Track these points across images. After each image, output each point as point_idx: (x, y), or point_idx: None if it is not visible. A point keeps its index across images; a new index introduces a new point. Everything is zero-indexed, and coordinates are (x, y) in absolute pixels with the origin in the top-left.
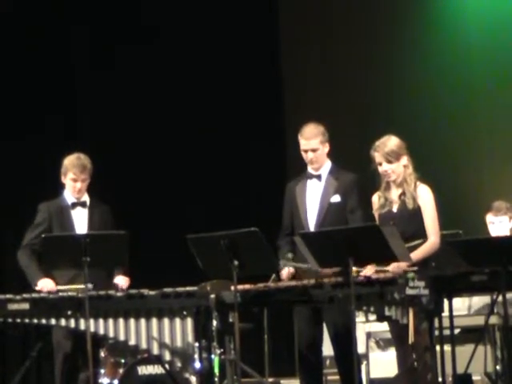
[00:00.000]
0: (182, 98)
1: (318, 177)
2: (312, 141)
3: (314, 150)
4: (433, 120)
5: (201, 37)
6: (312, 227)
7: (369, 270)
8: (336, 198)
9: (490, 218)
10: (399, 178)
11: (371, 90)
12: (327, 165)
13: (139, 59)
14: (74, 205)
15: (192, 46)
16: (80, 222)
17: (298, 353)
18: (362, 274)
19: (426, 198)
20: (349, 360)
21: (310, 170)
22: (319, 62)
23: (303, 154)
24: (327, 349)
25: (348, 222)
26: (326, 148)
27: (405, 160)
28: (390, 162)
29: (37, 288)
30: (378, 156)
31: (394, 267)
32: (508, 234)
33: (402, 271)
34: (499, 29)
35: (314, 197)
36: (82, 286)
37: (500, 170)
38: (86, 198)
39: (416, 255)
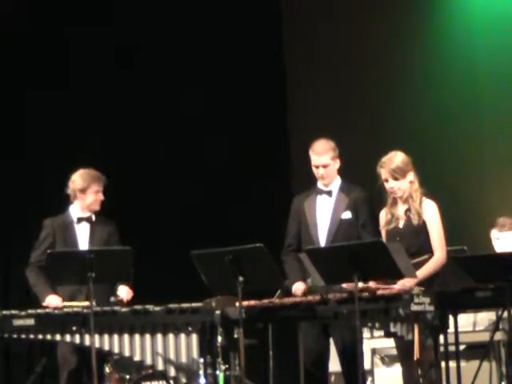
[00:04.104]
0: (185, 112)
1: (329, 193)
2: (323, 156)
3: (325, 166)
4: (439, 136)
5: (202, 46)
6: (323, 243)
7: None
8: (347, 215)
9: (494, 233)
10: (405, 194)
11: (379, 104)
12: (337, 181)
13: (141, 61)
14: (80, 220)
15: (192, 53)
16: (83, 237)
17: (304, 369)
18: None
19: (431, 214)
20: (356, 376)
21: (319, 185)
22: (325, 84)
23: (314, 169)
24: (332, 365)
25: (360, 237)
26: (337, 164)
27: (411, 176)
28: (396, 178)
29: (44, 304)
30: (384, 172)
31: (400, 285)
32: None
33: (409, 289)
34: (504, 30)
35: (325, 213)
36: (86, 303)
37: (504, 186)
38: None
39: (422, 272)
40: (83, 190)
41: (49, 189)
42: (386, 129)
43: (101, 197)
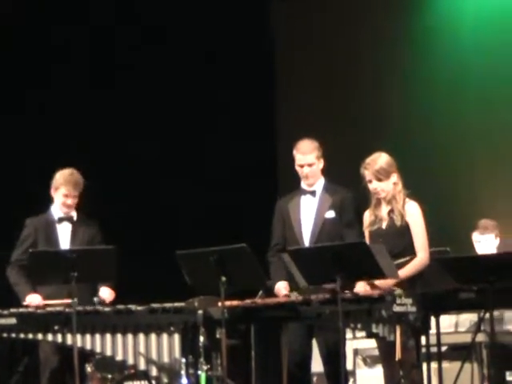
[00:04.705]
0: (172, 112)
1: (313, 193)
2: (308, 156)
3: (310, 165)
4: (425, 137)
5: (192, 43)
6: (307, 243)
7: (360, 287)
8: (331, 214)
9: (476, 236)
10: (389, 195)
11: (365, 104)
12: (321, 181)
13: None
14: (61, 220)
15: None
16: (65, 237)
17: (288, 370)
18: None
19: (414, 215)
20: (338, 377)
21: (303, 186)
22: (314, 79)
23: (298, 169)
24: (314, 365)
25: (344, 238)
26: (321, 163)
27: (395, 177)
28: (379, 179)
29: (25, 303)
30: (368, 174)
31: (382, 282)
32: (494, 251)
33: (390, 288)
34: (493, 28)
35: (309, 213)
36: (69, 301)
37: (487, 188)
38: (73, 213)
39: (404, 272)
40: (54, 190)
41: (32, 188)
42: (371, 129)
43: (68, 201)
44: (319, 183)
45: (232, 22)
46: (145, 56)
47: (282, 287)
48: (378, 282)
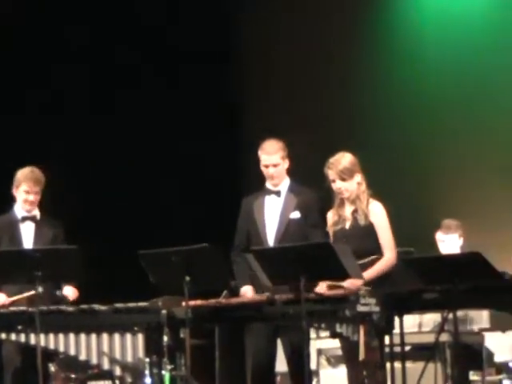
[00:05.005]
0: (134, 108)
1: (277, 193)
2: (273, 156)
3: (275, 165)
4: (388, 137)
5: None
6: (271, 243)
7: (321, 288)
8: (295, 215)
9: (439, 236)
10: (352, 195)
11: (327, 105)
12: (286, 181)
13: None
14: (24, 219)
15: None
16: (28, 236)
17: (252, 370)
18: (315, 290)
19: (378, 215)
20: (302, 377)
21: (268, 185)
22: (279, 77)
23: (263, 169)
24: (278, 365)
25: (309, 238)
26: (286, 164)
27: (358, 177)
28: (343, 179)
29: None
30: (331, 173)
31: (348, 283)
32: (458, 251)
33: (356, 288)
34: (455, 30)
35: (273, 213)
36: (32, 292)
37: (450, 188)
38: (36, 212)
39: (372, 272)
40: (16, 189)
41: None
42: (338, 129)
43: (30, 198)
44: (284, 183)
45: (197, 21)
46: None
47: (247, 292)
48: (346, 283)
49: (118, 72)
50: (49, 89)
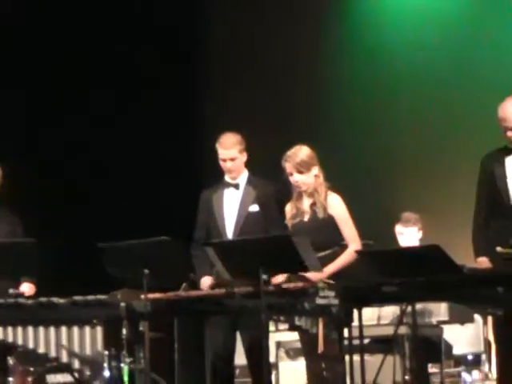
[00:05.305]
0: (98, 101)
1: (236, 186)
2: (231, 150)
3: (232, 159)
4: (346, 130)
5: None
6: (230, 236)
7: (278, 278)
8: (254, 208)
9: (399, 228)
10: (310, 188)
11: (288, 98)
12: (244, 174)
13: None
14: None
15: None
16: None
17: (211, 362)
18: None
19: (337, 207)
20: (261, 369)
21: (227, 179)
22: (240, 69)
23: (221, 163)
24: (237, 358)
25: (268, 231)
26: (244, 157)
27: (316, 170)
28: (300, 172)
29: None
30: (289, 166)
31: (312, 275)
32: (417, 244)
33: (317, 281)
34: (418, 29)
35: (232, 206)
36: None
37: (410, 181)
38: None
39: (337, 264)
40: None
41: None
42: (295, 124)
43: None
44: (243, 176)
45: (159, 21)
46: None
47: (206, 282)
48: (309, 275)
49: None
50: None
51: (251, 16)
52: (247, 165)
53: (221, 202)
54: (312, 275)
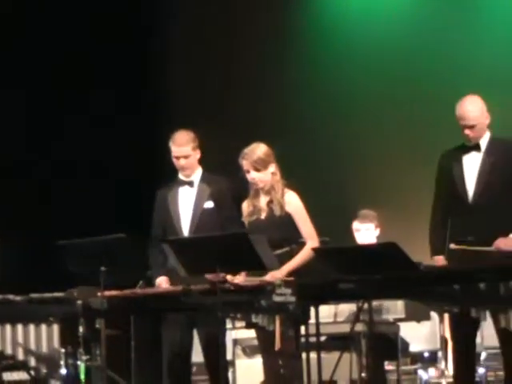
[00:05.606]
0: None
1: (190, 183)
2: (184, 147)
3: (186, 157)
4: (303, 128)
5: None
6: (186, 234)
7: (235, 277)
8: (209, 204)
9: (356, 225)
10: (267, 185)
11: (246, 97)
12: (198, 171)
13: None
14: None
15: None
16: None
17: (168, 360)
18: (231, 280)
19: (294, 205)
20: (218, 367)
21: (181, 176)
22: (198, 68)
23: (175, 160)
24: (194, 356)
25: (224, 228)
26: (198, 154)
27: (273, 167)
28: (257, 169)
29: None
30: (246, 164)
31: (269, 277)
32: (374, 241)
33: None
34: (380, 28)
35: (187, 203)
36: None
37: (367, 178)
38: None
39: (295, 261)
40: None
41: None
42: (252, 121)
43: None
44: (197, 174)
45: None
46: None
47: (162, 282)
48: (268, 277)
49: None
50: None
51: (215, 15)
52: (201, 162)
53: (176, 200)
54: (269, 274)
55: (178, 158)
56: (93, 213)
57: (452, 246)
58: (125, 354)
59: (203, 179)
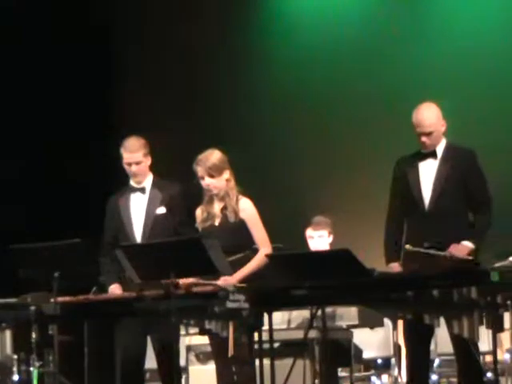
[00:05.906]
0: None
1: (142, 190)
2: (135, 154)
3: (137, 163)
4: (256, 134)
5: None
6: (139, 240)
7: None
8: (161, 210)
9: (309, 232)
10: (221, 191)
11: (200, 101)
12: (150, 177)
13: None
14: None
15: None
16: None
17: (121, 366)
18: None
19: (249, 212)
20: (171, 373)
21: (132, 183)
22: (152, 76)
23: (126, 167)
24: (148, 362)
25: (178, 233)
26: (149, 160)
27: (227, 174)
28: (212, 176)
29: None
30: (200, 170)
31: (223, 280)
32: (327, 248)
33: (231, 285)
34: (329, 30)
35: (139, 210)
36: None
37: (321, 185)
38: None
39: (248, 268)
40: None
41: None
42: (205, 127)
43: None
44: (148, 180)
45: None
46: None
47: (115, 289)
48: (220, 282)
49: None
50: None
51: (165, 17)
52: (152, 168)
53: (127, 207)
54: (222, 280)
55: (129, 164)
56: (41, 217)
57: (407, 246)
58: (78, 360)
59: (154, 185)
